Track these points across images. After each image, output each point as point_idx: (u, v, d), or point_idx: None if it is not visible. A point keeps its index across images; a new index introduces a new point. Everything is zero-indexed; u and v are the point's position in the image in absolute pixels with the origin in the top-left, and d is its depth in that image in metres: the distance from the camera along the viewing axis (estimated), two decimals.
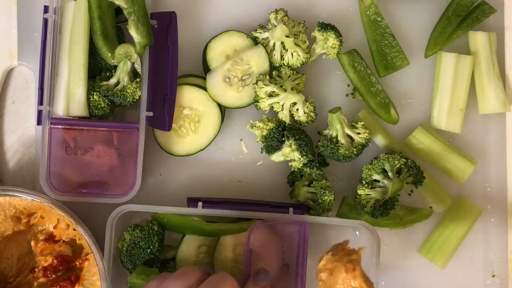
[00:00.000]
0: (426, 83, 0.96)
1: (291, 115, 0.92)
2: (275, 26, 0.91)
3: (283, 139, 0.90)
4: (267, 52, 0.91)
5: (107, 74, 0.89)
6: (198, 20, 0.95)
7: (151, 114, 0.87)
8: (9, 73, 0.94)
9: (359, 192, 0.89)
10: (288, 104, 0.90)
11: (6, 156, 0.93)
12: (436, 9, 0.97)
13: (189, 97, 0.90)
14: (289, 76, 0.91)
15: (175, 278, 0.72)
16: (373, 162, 0.89)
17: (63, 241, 0.86)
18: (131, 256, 0.85)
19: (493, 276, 0.95)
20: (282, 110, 0.90)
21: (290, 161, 0.91)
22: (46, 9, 0.86)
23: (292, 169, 0.91)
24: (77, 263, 0.86)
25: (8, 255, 0.86)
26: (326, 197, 0.87)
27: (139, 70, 0.87)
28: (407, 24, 0.97)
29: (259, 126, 0.91)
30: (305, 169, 0.90)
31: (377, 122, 0.94)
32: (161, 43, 0.89)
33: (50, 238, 0.86)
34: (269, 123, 0.91)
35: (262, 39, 0.92)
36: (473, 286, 0.95)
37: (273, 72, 0.92)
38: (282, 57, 0.92)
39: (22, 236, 0.87)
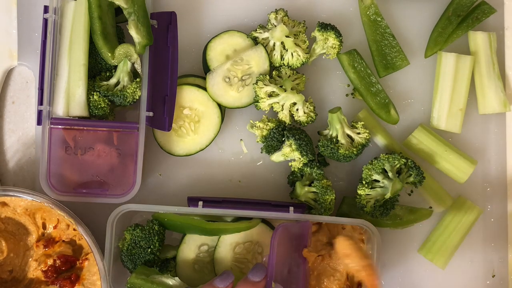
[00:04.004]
0: (426, 83, 0.96)
1: (291, 115, 0.91)
2: (275, 26, 0.91)
3: (283, 139, 0.90)
4: (267, 52, 0.91)
5: (107, 74, 0.89)
6: (198, 20, 0.95)
7: (151, 114, 0.87)
8: (9, 73, 0.94)
9: (359, 192, 0.89)
10: (288, 104, 0.90)
11: (6, 156, 0.93)
12: (436, 9, 0.97)
13: (189, 97, 0.90)
14: (289, 76, 0.91)
15: None
16: (373, 162, 0.89)
17: (63, 241, 0.86)
18: (131, 256, 0.85)
19: (493, 276, 0.95)
20: (282, 110, 0.90)
21: (290, 161, 0.91)
22: (46, 9, 0.86)
23: (292, 169, 0.91)
24: (77, 262, 0.86)
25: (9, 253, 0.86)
26: (327, 196, 0.87)
27: (139, 70, 0.87)
28: (407, 24, 0.97)
29: (259, 126, 0.91)
30: (305, 169, 0.90)
31: (377, 122, 0.94)
32: (161, 43, 0.89)
33: (50, 239, 0.86)
34: (269, 123, 0.90)
35: (262, 39, 0.92)
36: (473, 286, 0.95)
37: (273, 72, 0.92)
38: (282, 57, 0.92)
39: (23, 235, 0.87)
